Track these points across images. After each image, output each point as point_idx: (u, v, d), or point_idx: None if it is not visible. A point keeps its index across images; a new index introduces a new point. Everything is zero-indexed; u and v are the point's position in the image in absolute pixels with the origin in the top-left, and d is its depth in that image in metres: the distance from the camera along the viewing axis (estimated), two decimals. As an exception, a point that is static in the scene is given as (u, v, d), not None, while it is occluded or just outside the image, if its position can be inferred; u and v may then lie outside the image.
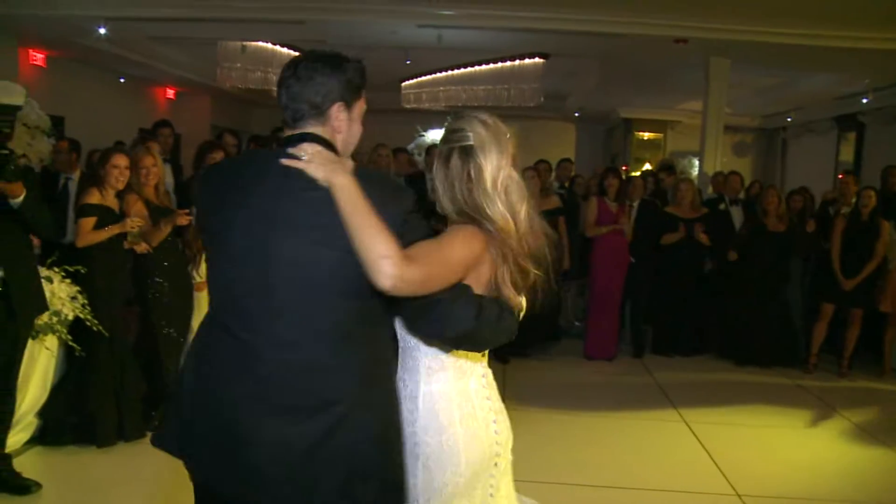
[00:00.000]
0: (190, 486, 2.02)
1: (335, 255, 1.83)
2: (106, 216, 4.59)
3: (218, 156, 6.19)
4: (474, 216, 1.98)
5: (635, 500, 4.34)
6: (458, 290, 1.91)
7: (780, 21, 7.50)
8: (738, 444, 5.33)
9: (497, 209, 1.95)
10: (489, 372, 2.17)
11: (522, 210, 1.99)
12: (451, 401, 2.06)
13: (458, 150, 1.98)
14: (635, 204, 7.72)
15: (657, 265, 7.58)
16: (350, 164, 1.91)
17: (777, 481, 4.67)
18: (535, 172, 7.40)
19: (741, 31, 7.75)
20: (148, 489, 4.07)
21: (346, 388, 1.88)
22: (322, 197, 1.82)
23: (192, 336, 5.27)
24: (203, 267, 5.41)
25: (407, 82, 12.00)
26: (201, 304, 5.38)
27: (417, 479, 2.04)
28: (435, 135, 14.69)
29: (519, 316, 2.07)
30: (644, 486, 4.48)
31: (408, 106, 12.34)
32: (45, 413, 4.53)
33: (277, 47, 9.69)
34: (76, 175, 6.42)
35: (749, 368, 7.36)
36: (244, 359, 1.88)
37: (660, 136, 14.83)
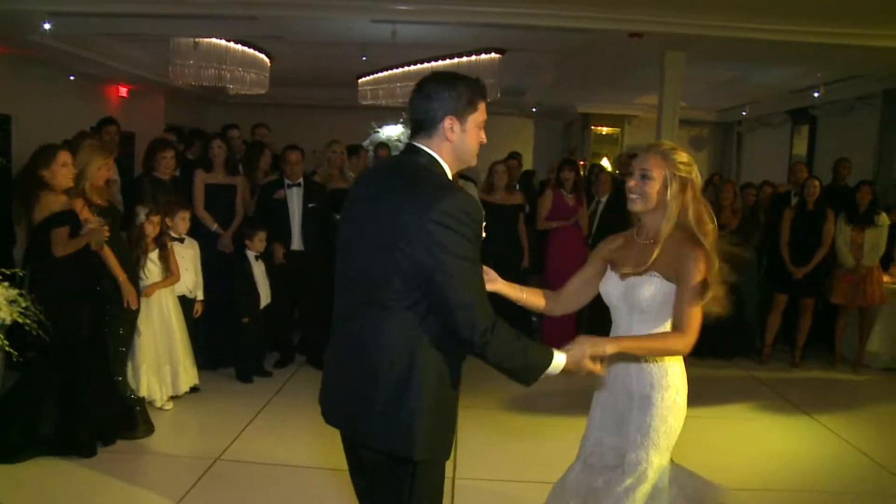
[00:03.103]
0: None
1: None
2: (74, 220, 4.48)
3: (168, 154, 6.08)
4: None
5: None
6: None
7: (735, 15, 7.53)
8: (691, 436, 5.29)
9: None
10: None
11: None
12: None
13: None
14: (603, 199, 7.73)
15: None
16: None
17: (730, 472, 4.67)
18: (504, 167, 7.45)
19: (696, 26, 7.76)
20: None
21: None
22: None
23: (139, 338, 5.17)
24: (150, 268, 5.29)
25: (364, 79, 11.90)
26: (150, 308, 5.26)
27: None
28: (390, 131, 14.62)
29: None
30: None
31: (364, 102, 12.24)
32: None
33: (231, 44, 9.54)
34: None
35: (705, 361, 7.40)
36: None
37: (617, 130, 14.88)
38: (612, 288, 2.78)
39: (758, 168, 12.89)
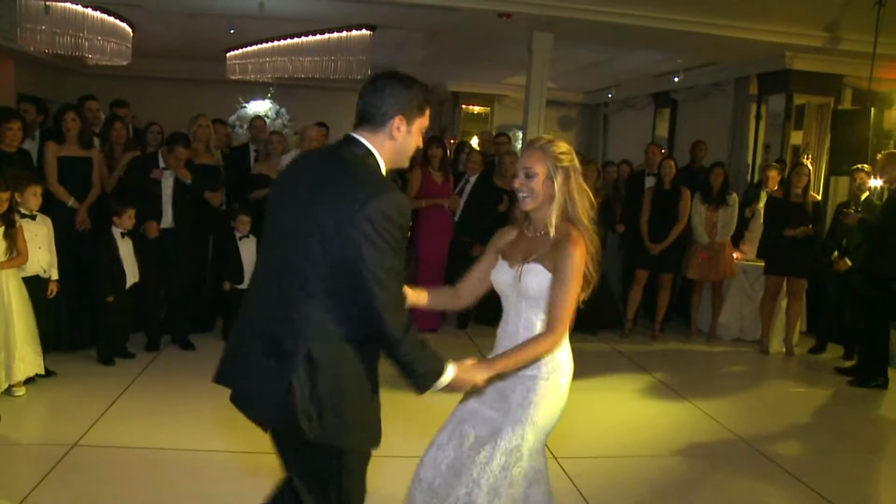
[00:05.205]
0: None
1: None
2: None
3: (14, 125, 5.75)
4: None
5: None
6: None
7: (601, -1, 7.80)
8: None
9: None
10: None
11: None
12: None
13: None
14: (472, 178, 7.78)
15: (486, 237, 7.65)
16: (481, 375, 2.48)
17: (592, 442, 4.90)
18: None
19: (563, 8, 7.95)
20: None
21: None
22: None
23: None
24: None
25: (232, 52, 11.59)
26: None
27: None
28: (257, 106, 14.30)
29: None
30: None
31: (233, 77, 11.92)
32: None
33: (89, 10, 9.05)
34: None
35: (573, 335, 7.60)
36: None
37: (487, 109, 15.10)
38: (502, 276, 2.83)
39: (623, 148, 13.34)
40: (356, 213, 2.15)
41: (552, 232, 2.69)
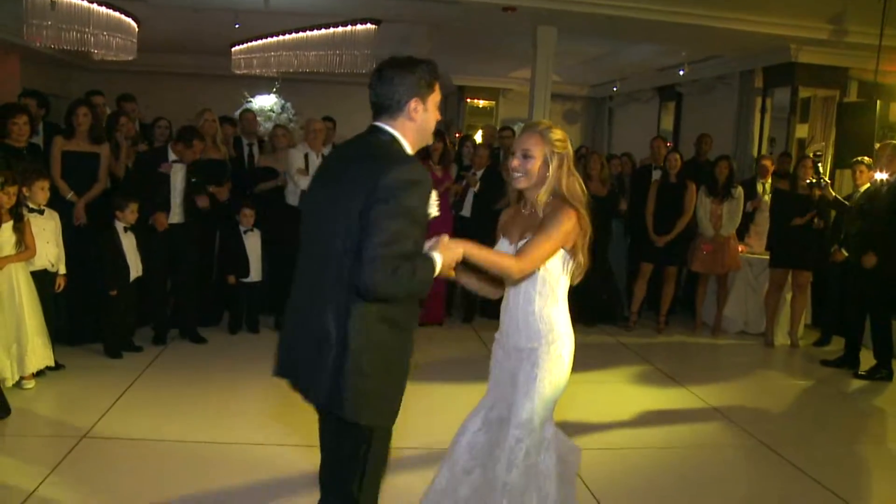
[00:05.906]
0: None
1: None
2: None
3: (21, 120, 5.77)
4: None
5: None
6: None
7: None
8: (563, 399, 5.53)
9: None
10: None
11: None
12: None
13: None
14: (479, 173, 7.80)
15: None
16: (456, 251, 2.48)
17: (597, 434, 4.92)
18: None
19: (567, 1, 7.97)
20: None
21: None
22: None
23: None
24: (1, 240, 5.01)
25: (237, 47, 11.60)
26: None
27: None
28: (262, 101, 14.32)
29: None
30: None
31: (239, 71, 11.93)
32: None
33: (94, 6, 9.06)
34: None
35: (574, 328, 7.65)
36: None
37: (492, 103, 15.10)
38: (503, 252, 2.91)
39: (628, 141, 13.34)
40: (377, 180, 2.26)
41: (540, 210, 2.83)
